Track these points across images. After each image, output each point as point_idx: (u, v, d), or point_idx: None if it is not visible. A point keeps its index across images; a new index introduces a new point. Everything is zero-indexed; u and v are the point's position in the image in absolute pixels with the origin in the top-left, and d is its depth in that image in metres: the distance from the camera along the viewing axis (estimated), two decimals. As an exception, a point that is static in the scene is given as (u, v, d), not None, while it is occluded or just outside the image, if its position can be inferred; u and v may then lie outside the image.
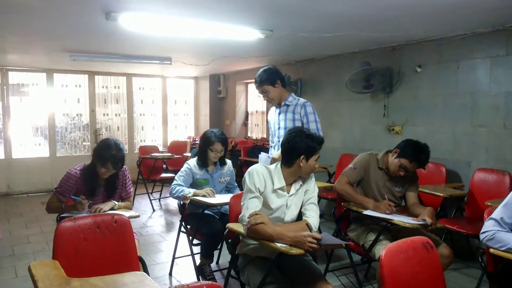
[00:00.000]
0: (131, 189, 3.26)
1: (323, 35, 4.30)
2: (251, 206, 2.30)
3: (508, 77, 3.93)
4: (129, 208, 3.15)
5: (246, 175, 2.42)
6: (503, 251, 1.97)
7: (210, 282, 1.38)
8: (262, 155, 3.53)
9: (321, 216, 4.19)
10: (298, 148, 2.36)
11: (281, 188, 2.40)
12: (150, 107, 8.93)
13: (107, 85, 8.35)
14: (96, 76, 8.14)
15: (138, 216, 2.92)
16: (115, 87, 8.45)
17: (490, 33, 4.01)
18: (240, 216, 2.37)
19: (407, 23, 3.87)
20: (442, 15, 3.55)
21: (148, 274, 2.22)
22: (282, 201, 2.42)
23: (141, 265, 2.32)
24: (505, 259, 1.99)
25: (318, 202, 5.65)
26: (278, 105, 3.53)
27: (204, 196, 3.30)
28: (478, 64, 4.16)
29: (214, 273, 3.50)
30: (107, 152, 2.92)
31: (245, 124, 8.46)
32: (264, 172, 2.41)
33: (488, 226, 2.06)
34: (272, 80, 3.43)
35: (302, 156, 2.35)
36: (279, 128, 3.50)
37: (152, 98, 8.94)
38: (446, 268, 2.81)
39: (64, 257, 1.98)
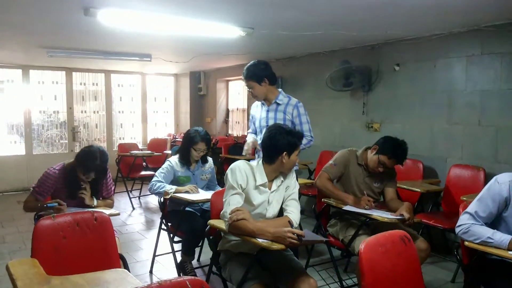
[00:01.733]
0: (113, 188, 3.23)
1: (303, 33, 4.33)
2: (233, 202, 2.31)
3: (483, 76, 4.04)
4: (110, 206, 3.11)
5: (228, 171, 2.42)
6: (477, 243, 2.03)
7: (192, 277, 1.39)
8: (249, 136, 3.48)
9: (301, 212, 4.26)
10: (280, 145, 2.38)
11: (263, 185, 2.42)
12: (129, 105, 8.81)
13: (85, 82, 8.21)
14: (74, 73, 7.99)
15: (118, 214, 2.90)
16: (93, 84, 8.31)
17: (466, 32, 4.12)
18: (222, 212, 2.37)
19: (386, 22, 3.94)
20: (419, 15, 3.63)
21: (129, 272, 2.22)
22: (264, 197, 2.44)
23: (122, 262, 2.31)
24: (479, 252, 2.05)
25: (299, 198, 5.71)
26: (265, 101, 3.37)
27: (187, 192, 3.30)
28: (454, 63, 4.26)
29: (196, 270, 3.50)
30: (91, 162, 2.87)
31: (226, 121, 8.45)
32: (246, 169, 2.42)
33: (463, 220, 2.12)
34: (259, 77, 3.24)
35: (285, 153, 2.38)
36: (266, 126, 3.21)
37: (131, 95, 8.83)
38: (423, 261, 2.87)
39: (43, 255, 1.95)
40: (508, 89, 3.87)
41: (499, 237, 1.97)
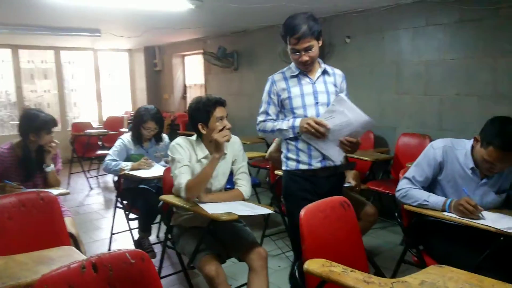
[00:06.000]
0: (60, 166, 3.17)
1: (253, 6, 4.30)
2: (183, 172, 2.34)
3: (428, 47, 4.19)
4: (56, 184, 3.04)
5: (169, 150, 2.45)
6: (415, 206, 2.16)
7: (132, 249, 1.41)
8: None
9: (257, 185, 4.34)
10: (194, 117, 2.43)
11: (205, 157, 2.44)
12: (82, 82, 8.53)
13: (33, 60, 7.85)
14: (20, 50, 7.60)
15: (67, 193, 2.87)
16: (42, 62, 7.96)
17: (412, 4, 4.22)
18: (175, 185, 2.38)
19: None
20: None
21: (80, 250, 2.22)
22: None
23: (72, 241, 2.30)
24: (417, 214, 2.19)
25: (258, 172, 5.77)
26: (306, 71, 2.34)
27: (139, 168, 3.30)
28: (401, 34, 4.39)
29: (154, 245, 3.53)
30: (37, 120, 2.84)
31: (183, 97, 8.35)
32: (186, 144, 2.44)
33: (402, 184, 2.25)
34: (319, 32, 2.29)
35: (200, 125, 2.40)
36: (317, 103, 2.31)
37: (83, 73, 8.54)
38: (372, 225, 3.03)
39: (-13, 237, 1.91)
40: (451, 59, 4.04)
41: (434, 199, 2.11)
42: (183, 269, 2.54)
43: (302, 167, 2.32)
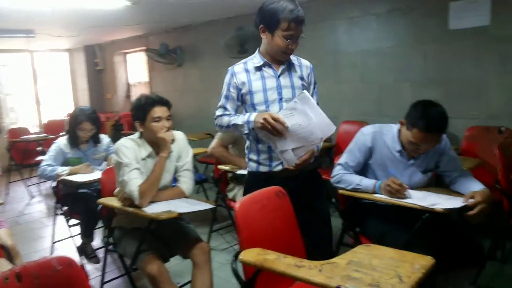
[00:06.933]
0: None
1: (192, 1, 4.25)
2: (133, 177, 2.26)
3: (364, 37, 4.33)
4: None
5: (114, 153, 2.37)
6: (349, 190, 2.23)
7: (60, 255, 1.37)
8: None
9: (204, 180, 4.33)
10: (133, 115, 2.41)
11: (149, 155, 2.41)
12: (19, 86, 8.10)
13: (-38, 64, 7.37)
14: None
15: (2, 204, 2.72)
16: (-29, 66, 7.49)
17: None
18: (126, 192, 2.28)
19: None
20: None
21: (12, 262, 2.12)
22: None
23: (5, 252, 2.19)
24: (351, 197, 2.26)
25: (205, 168, 5.73)
26: (271, 62, 2.15)
27: (78, 171, 3.20)
28: (338, 25, 4.50)
29: (98, 250, 3.43)
30: None
31: (128, 96, 8.13)
32: (131, 144, 2.38)
33: (336, 170, 2.31)
34: None
35: (137, 122, 2.38)
36: (280, 99, 2.13)
37: (20, 76, 8.11)
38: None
39: None
40: (387, 47, 4.20)
41: (366, 182, 2.19)
42: (126, 272, 2.48)
43: (263, 169, 2.17)
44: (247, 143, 2.26)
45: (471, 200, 1.91)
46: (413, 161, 2.21)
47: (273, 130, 1.95)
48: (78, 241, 3.40)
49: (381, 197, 2.09)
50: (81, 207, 3.16)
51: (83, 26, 5.79)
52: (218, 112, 2.20)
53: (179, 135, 2.52)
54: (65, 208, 3.39)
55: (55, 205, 3.46)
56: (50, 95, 8.56)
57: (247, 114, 2.07)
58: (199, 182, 4.18)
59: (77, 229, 3.35)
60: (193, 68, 6.34)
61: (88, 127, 3.33)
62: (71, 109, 8.63)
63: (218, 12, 5.23)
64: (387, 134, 2.23)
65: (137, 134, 2.44)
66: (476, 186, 2.05)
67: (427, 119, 2.02)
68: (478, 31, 3.62)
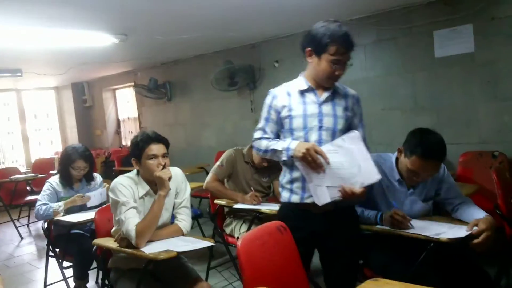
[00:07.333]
0: None
1: (180, 37, 4.31)
2: (129, 216, 2.21)
3: (351, 67, 4.37)
4: None
5: (111, 191, 2.31)
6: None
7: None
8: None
9: (199, 216, 4.26)
10: (130, 152, 2.40)
11: (146, 194, 2.36)
12: (5, 125, 8.02)
13: None
14: None
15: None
16: (-42, 106, 7.42)
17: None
18: (123, 232, 2.22)
19: (260, 22, 4.09)
20: (293, 14, 3.83)
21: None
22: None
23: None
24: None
25: (199, 202, 5.67)
26: (315, 88, 2.04)
27: (74, 203, 3.17)
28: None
29: (92, 293, 3.32)
30: None
31: (117, 132, 8.10)
32: (128, 182, 2.33)
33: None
34: None
35: (134, 160, 2.35)
36: (320, 127, 1.98)
37: (7, 115, 8.05)
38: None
39: None
40: (375, 76, 4.27)
41: (367, 214, 2.17)
42: (124, 315, 2.39)
43: (294, 199, 2.02)
44: (283, 169, 2.13)
45: (475, 228, 1.90)
46: (413, 190, 2.20)
47: (313, 163, 1.85)
48: (72, 283, 3.28)
49: (384, 228, 2.07)
50: (74, 248, 3.07)
51: (70, 64, 5.81)
52: (257, 134, 2.10)
53: (176, 171, 2.48)
54: (58, 250, 3.29)
55: (47, 247, 3.35)
56: (38, 134, 8.48)
57: (288, 140, 1.97)
58: (194, 217, 4.10)
59: (70, 271, 3.24)
60: (183, 102, 6.36)
61: (82, 165, 3.28)
62: (59, 147, 8.57)
63: (206, 46, 5.31)
64: (385, 163, 2.23)
65: (134, 172, 2.40)
66: (479, 214, 2.04)
67: (425, 145, 2.04)
68: (464, 58, 3.72)
